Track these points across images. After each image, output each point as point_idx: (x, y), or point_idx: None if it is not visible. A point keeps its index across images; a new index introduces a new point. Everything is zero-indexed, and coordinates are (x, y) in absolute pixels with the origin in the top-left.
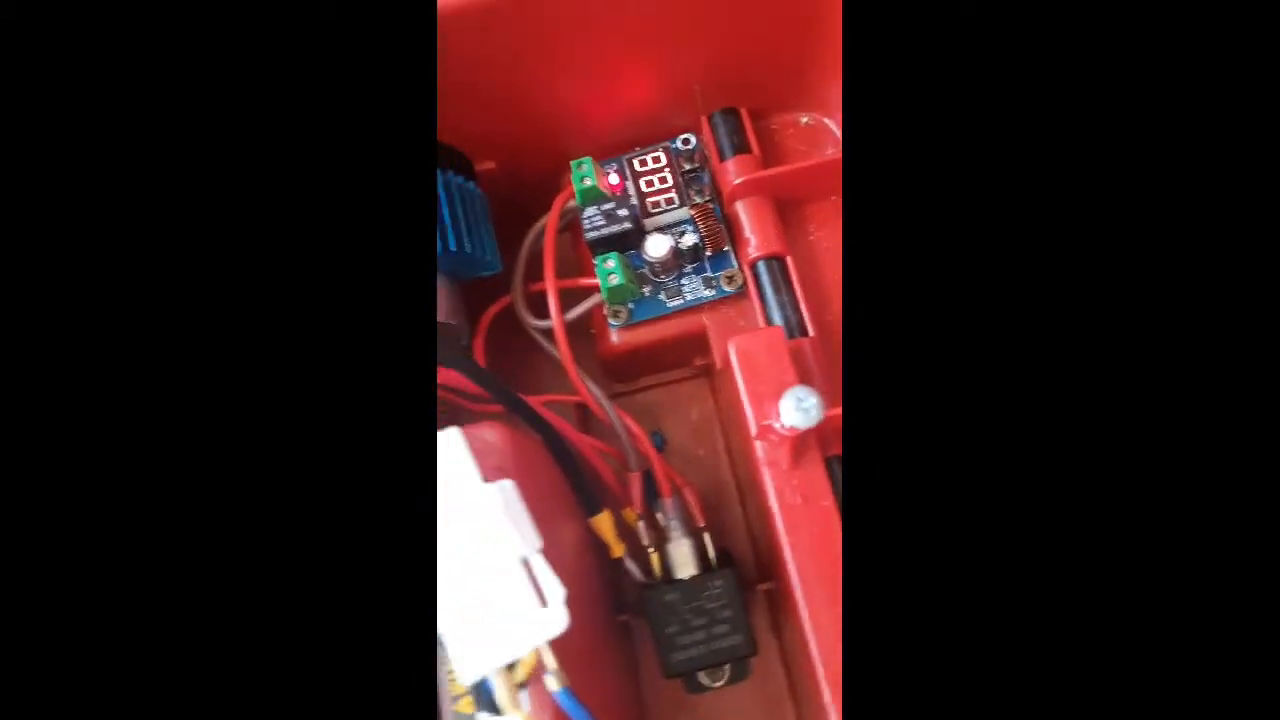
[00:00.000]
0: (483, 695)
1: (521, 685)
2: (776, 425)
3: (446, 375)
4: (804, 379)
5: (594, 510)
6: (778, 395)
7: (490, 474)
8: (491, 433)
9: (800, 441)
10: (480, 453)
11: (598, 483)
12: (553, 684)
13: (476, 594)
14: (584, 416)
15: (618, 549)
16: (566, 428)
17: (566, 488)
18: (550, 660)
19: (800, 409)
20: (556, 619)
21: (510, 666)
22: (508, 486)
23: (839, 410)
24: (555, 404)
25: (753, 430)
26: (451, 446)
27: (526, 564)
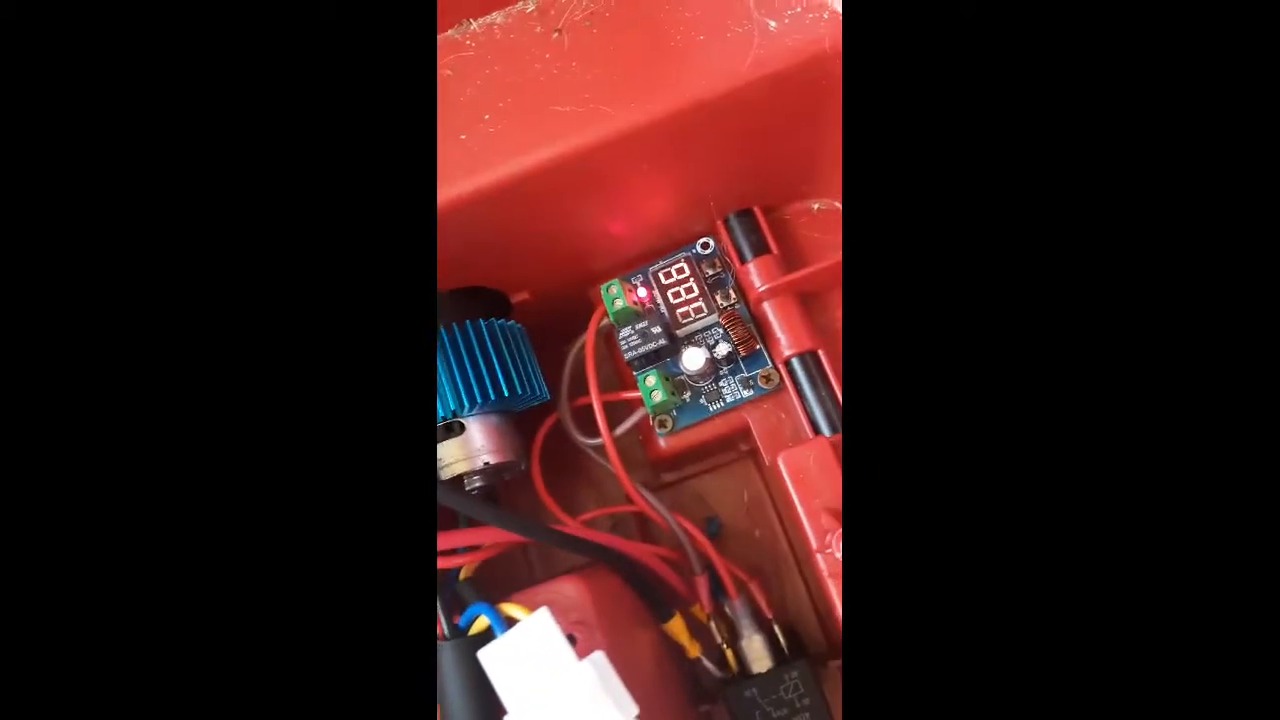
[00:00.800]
0: None
1: None
2: (832, 552)
3: (499, 533)
4: None
5: (665, 617)
6: (831, 507)
7: (575, 630)
8: (569, 587)
9: None
10: (560, 608)
11: (665, 588)
12: None
13: None
14: (640, 523)
15: (693, 650)
16: (625, 544)
17: (638, 602)
18: None
19: None
20: None
21: None
22: (600, 660)
23: None
24: (611, 517)
25: (814, 544)
26: (543, 626)
27: None
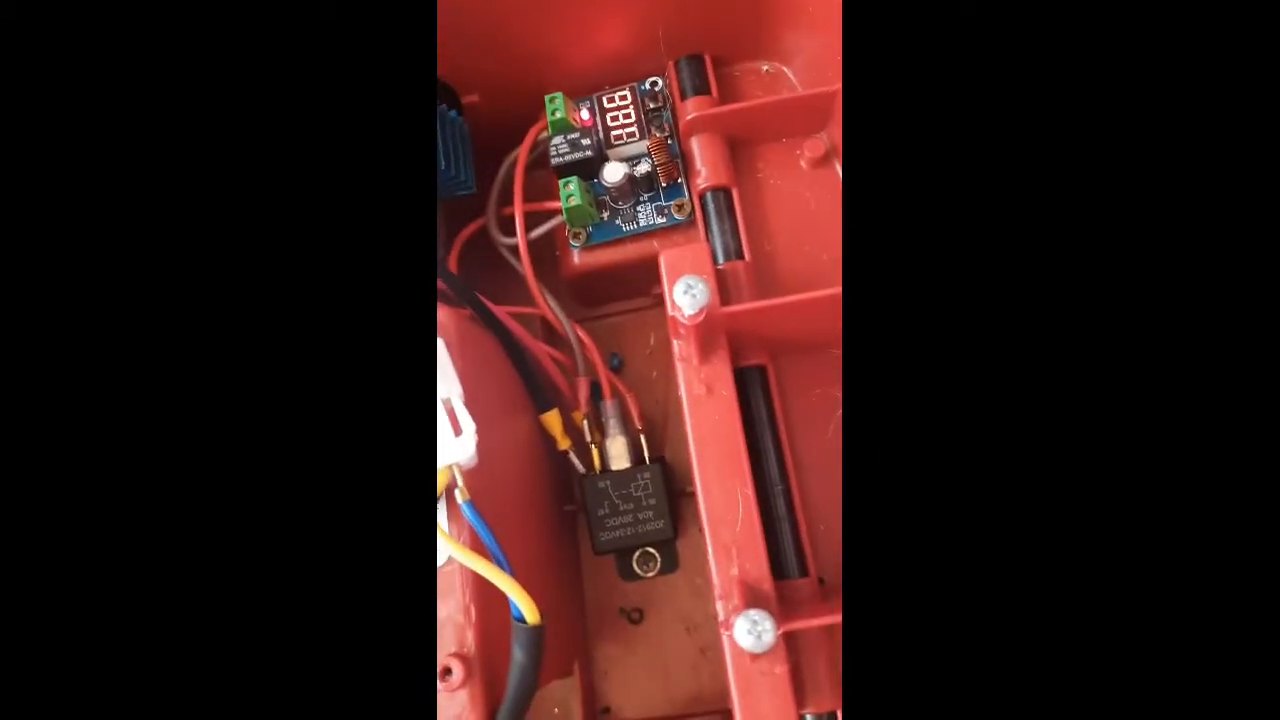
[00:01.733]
0: None
1: (440, 495)
2: (678, 317)
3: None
4: (730, 296)
5: (544, 408)
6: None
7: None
8: (441, 313)
9: (706, 338)
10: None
11: (551, 386)
12: (459, 497)
13: None
14: (548, 333)
15: (564, 442)
16: (523, 332)
17: (521, 387)
18: (460, 478)
19: (689, 293)
20: (466, 446)
21: None
22: (439, 345)
23: (760, 304)
24: (521, 317)
25: (669, 312)
26: None
27: (448, 404)
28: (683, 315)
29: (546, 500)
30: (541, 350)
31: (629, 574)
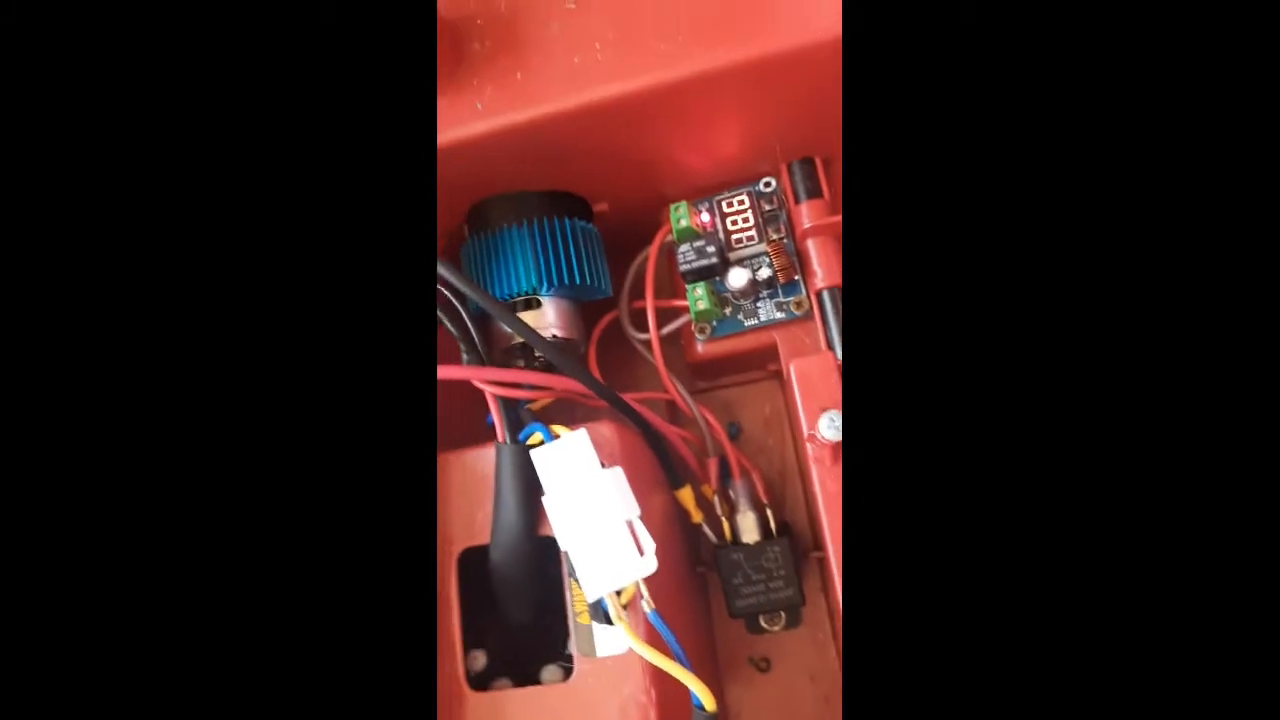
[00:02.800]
0: (598, 610)
1: (625, 606)
2: (817, 435)
3: (570, 381)
4: None
5: (678, 484)
6: (825, 406)
7: (605, 460)
8: (606, 429)
9: (839, 446)
10: (597, 444)
11: (682, 464)
12: (646, 607)
13: (597, 543)
14: (673, 412)
15: (696, 515)
16: (656, 419)
17: (658, 467)
18: (645, 591)
19: (832, 427)
20: (649, 563)
21: (618, 593)
22: (618, 472)
23: None
24: (649, 401)
25: (805, 434)
26: (581, 443)
27: (630, 525)
28: (825, 441)
29: (685, 565)
30: (673, 433)
31: (756, 628)
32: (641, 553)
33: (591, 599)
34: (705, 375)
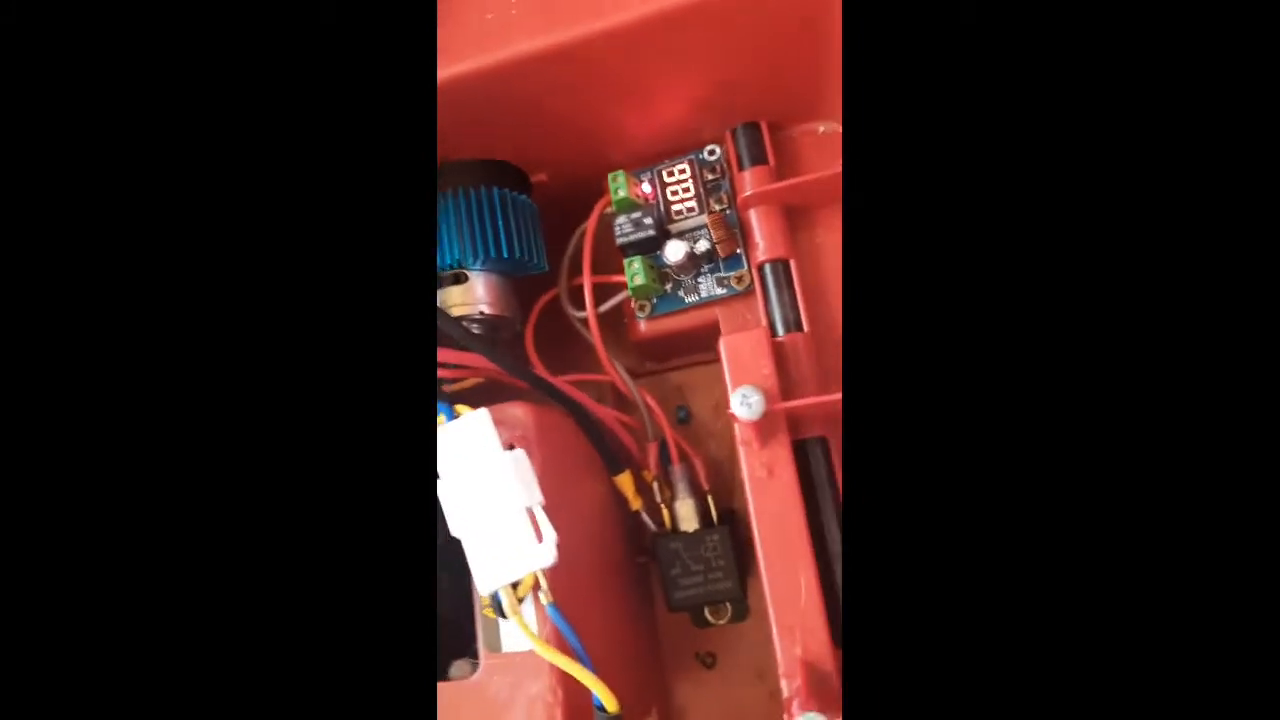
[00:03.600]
0: (497, 604)
1: (521, 599)
2: (732, 412)
3: (485, 361)
4: (790, 369)
5: (616, 470)
6: (754, 384)
7: (517, 442)
8: (518, 410)
9: (767, 425)
10: (508, 425)
11: (620, 449)
12: (544, 599)
13: (492, 533)
14: (619, 395)
15: (635, 502)
16: (588, 402)
17: (594, 453)
18: (543, 582)
19: (745, 404)
20: (547, 554)
21: (514, 585)
22: (519, 455)
23: (818, 399)
24: (591, 383)
25: (730, 411)
26: (480, 423)
27: (530, 512)
28: (740, 420)
29: (621, 556)
30: (610, 416)
31: (701, 622)
32: (540, 540)
33: (484, 591)
34: (653, 356)
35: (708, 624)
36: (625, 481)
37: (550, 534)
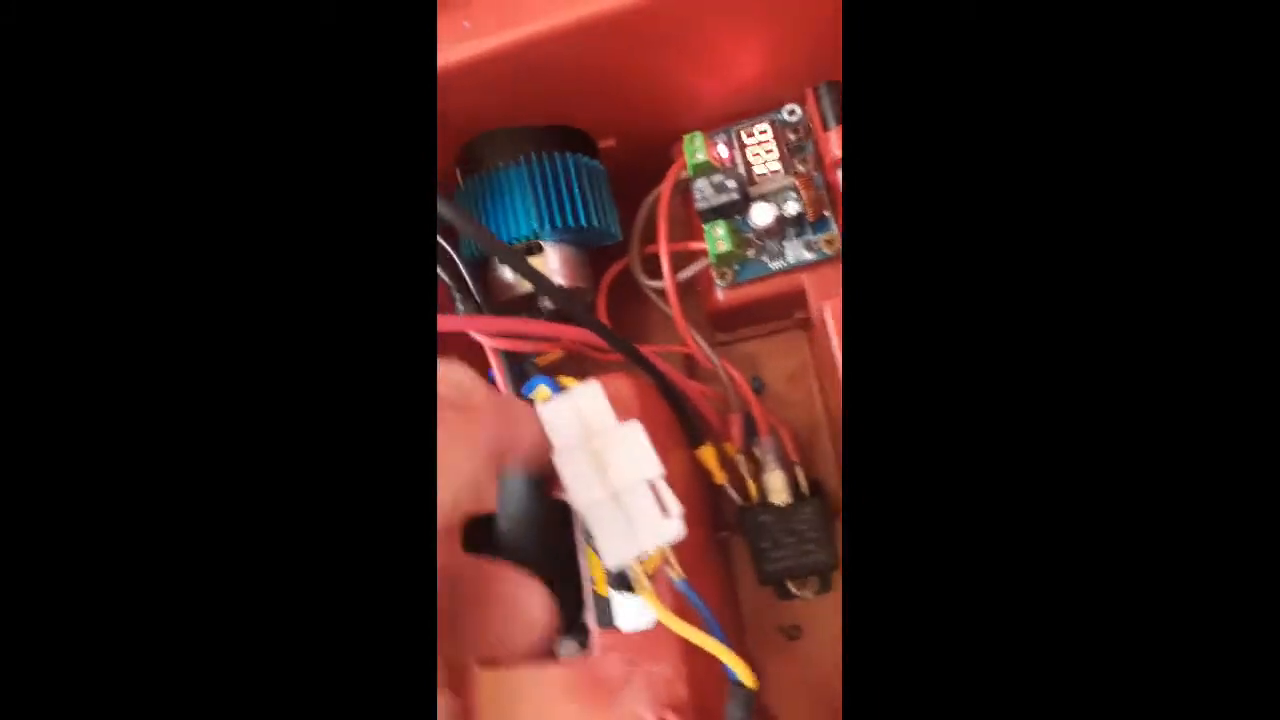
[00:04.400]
0: (619, 579)
1: (650, 575)
2: None
3: (580, 332)
4: None
5: (698, 443)
6: None
7: (620, 416)
8: (620, 382)
9: None
10: (611, 399)
11: (703, 421)
12: (673, 575)
13: (616, 506)
14: (690, 366)
15: (719, 476)
16: (675, 374)
17: (676, 425)
18: (671, 557)
19: None
20: (675, 527)
21: (642, 561)
22: (636, 426)
23: None
24: (665, 354)
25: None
26: (594, 396)
27: (652, 485)
28: None
29: (707, 530)
30: (692, 388)
31: (785, 595)
32: (667, 515)
33: (612, 567)
34: (725, 326)
35: (791, 596)
36: (708, 454)
37: (676, 506)
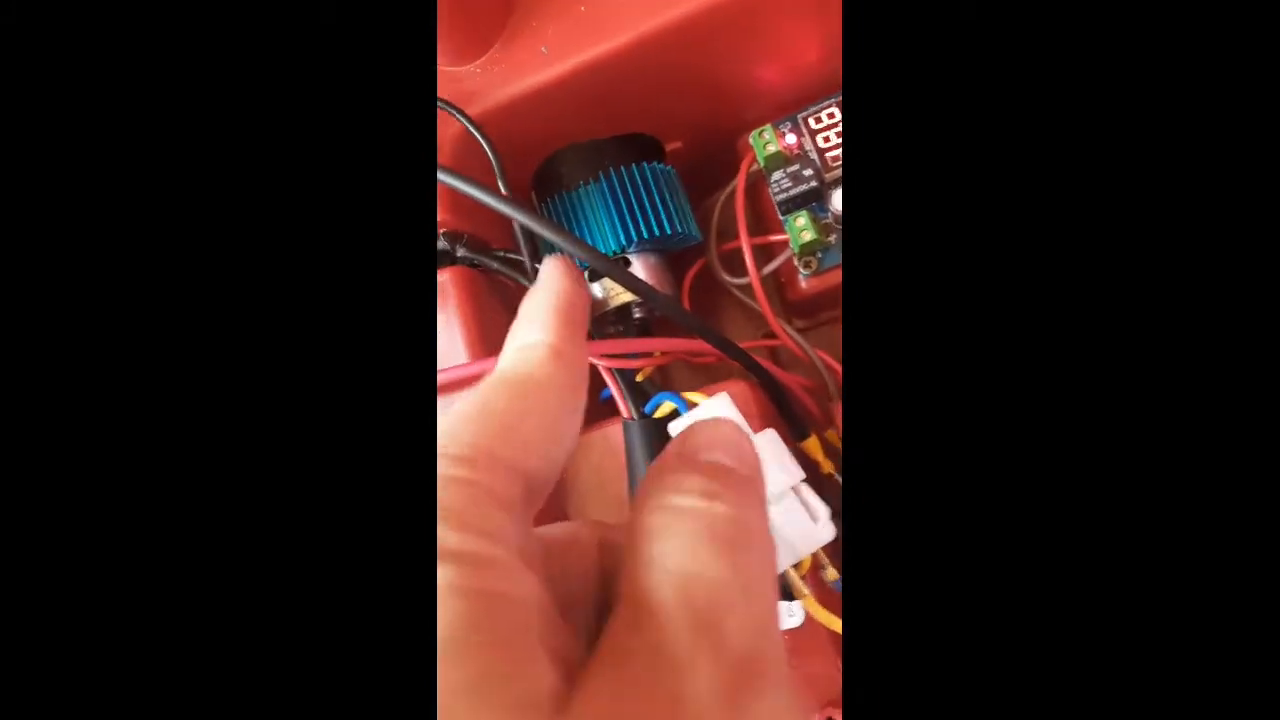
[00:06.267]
0: (782, 587)
1: (803, 577)
2: None
3: (680, 342)
4: None
5: (801, 436)
6: None
7: (748, 421)
8: (741, 388)
9: None
10: (737, 406)
11: (804, 411)
12: (830, 576)
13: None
14: (776, 358)
15: (826, 465)
16: (775, 369)
17: (780, 420)
18: (826, 560)
19: None
20: (826, 531)
21: (795, 565)
22: (772, 435)
23: None
24: (755, 350)
25: None
26: (726, 407)
27: (797, 490)
28: None
29: None
30: (794, 381)
31: None
32: (815, 519)
33: None
34: (803, 314)
35: None
36: (813, 446)
37: (824, 509)
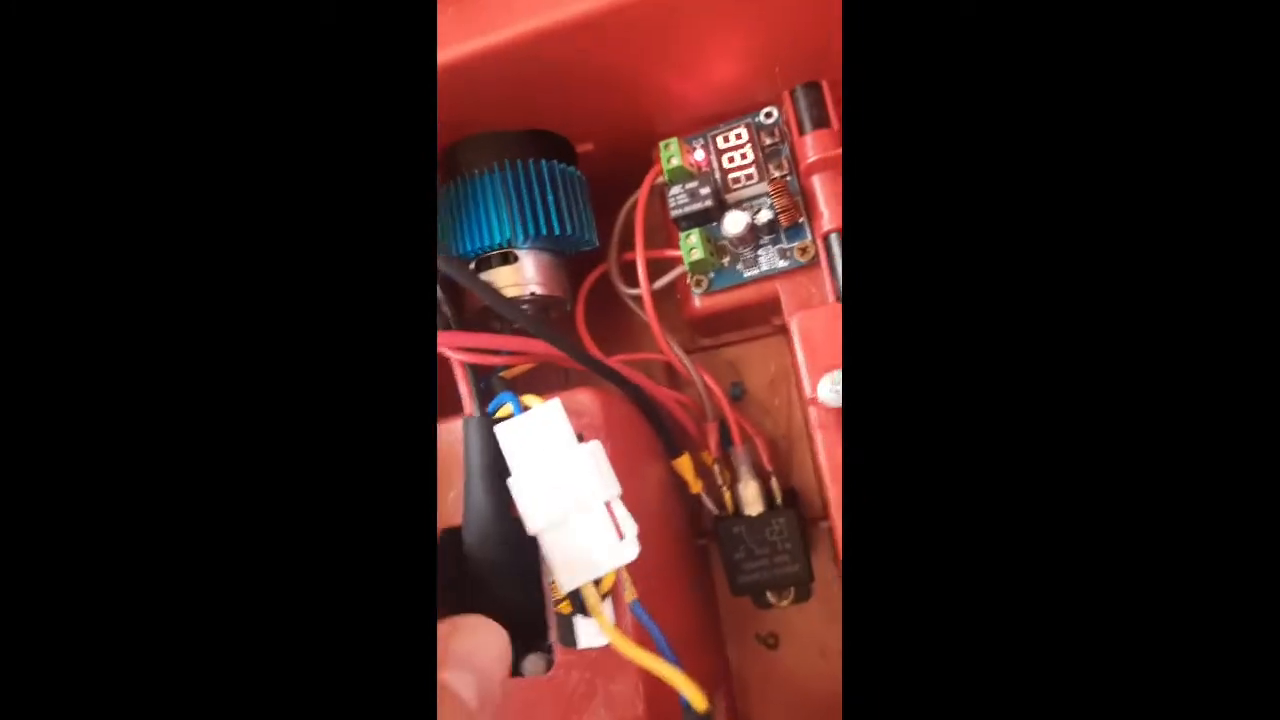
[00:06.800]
0: (576, 601)
1: (604, 596)
2: (818, 399)
3: (545, 346)
4: None
5: (675, 453)
6: (829, 369)
7: (585, 431)
8: (585, 397)
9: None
10: (575, 413)
11: (679, 430)
12: (627, 596)
13: (572, 528)
14: (672, 373)
15: (695, 486)
16: (648, 383)
17: (654, 435)
18: (626, 580)
19: (834, 391)
20: (629, 549)
21: (596, 582)
22: (595, 446)
23: None
24: (645, 362)
25: (809, 396)
26: (553, 414)
27: (609, 506)
28: (827, 407)
29: (685, 541)
30: (668, 397)
31: (763, 604)
32: (621, 537)
33: (566, 590)
34: (707, 331)
35: (769, 605)
36: (685, 465)
37: (631, 528)
